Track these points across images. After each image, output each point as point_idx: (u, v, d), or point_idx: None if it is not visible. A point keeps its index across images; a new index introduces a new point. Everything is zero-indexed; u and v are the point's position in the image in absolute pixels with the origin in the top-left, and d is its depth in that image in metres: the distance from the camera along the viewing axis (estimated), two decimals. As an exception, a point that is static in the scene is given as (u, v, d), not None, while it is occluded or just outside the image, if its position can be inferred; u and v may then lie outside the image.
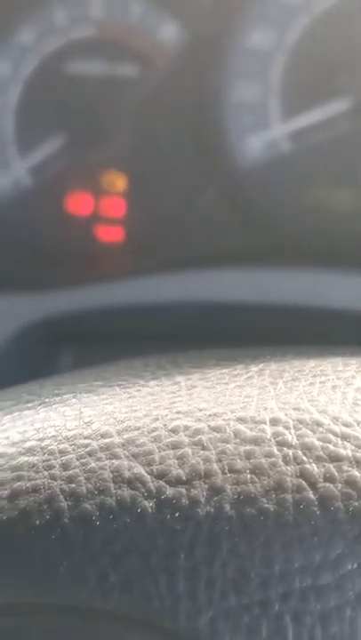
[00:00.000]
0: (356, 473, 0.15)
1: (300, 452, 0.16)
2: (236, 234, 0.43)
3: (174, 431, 0.17)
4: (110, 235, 0.44)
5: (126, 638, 0.16)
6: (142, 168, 0.43)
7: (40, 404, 0.19)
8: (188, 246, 0.44)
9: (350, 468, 0.15)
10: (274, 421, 0.16)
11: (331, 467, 0.16)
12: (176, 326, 0.23)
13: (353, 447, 0.16)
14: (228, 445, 0.16)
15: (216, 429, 0.17)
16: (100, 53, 0.43)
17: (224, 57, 0.42)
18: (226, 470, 0.16)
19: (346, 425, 0.16)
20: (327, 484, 0.15)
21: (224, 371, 0.20)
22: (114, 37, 0.43)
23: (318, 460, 0.16)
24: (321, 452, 0.16)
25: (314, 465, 0.16)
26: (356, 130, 0.41)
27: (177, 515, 0.15)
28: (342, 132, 0.41)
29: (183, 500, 0.16)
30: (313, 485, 0.15)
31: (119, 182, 0.43)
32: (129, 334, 0.25)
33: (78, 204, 0.44)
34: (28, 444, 0.17)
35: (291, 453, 0.16)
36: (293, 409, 0.17)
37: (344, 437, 0.16)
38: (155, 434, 0.17)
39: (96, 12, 0.43)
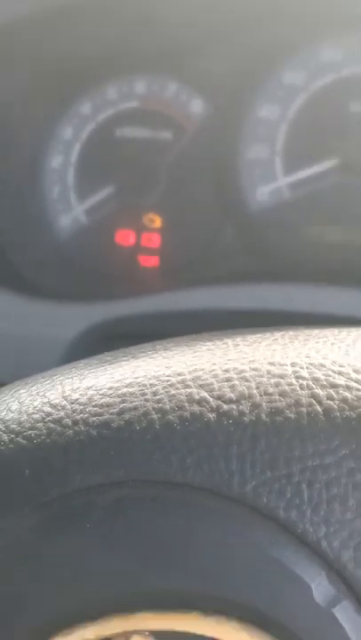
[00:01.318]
0: (347, 394, 0.19)
1: (311, 383, 0.19)
2: (248, 261, 0.47)
3: (227, 371, 0.20)
4: (148, 261, 0.49)
5: (198, 502, 0.19)
6: (174, 211, 0.48)
7: (132, 358, 0.22)
8: (209, 270, 0.48)
9: (344, 392, 0.19)
10: (293, 364, 0.20)
11: (331, 391, 0.19)
12: (198, 329, 0.28)
13: (345, 379, 0.19)
14: (263, 379, 0.20)
15: (254, 369, 0.20)
16: (142, 121, 0.48)
17: (239, 125, 0.46)
18: (262, 394, 0.19)
19: (340, 365, 0.20)
20: (329, 402, 0.19)
21: (257, 335, 0.23)
22: (153, 108, 0.47)
23: (323, 387, 0.19)
24: (324, 382, 0.19)
25: (320, 390, 0.19)
26: (342, 182, 0.46)
27: (230, 421, 0.19)
28: (331, 183, 0.46)
29: (234, 412, 0.19)
30: (320, 403, 0.19)
31: (156, 221, 0.48)
32: (164, 334, 0.30)
33: (124, 237, 0.49)
34: (127, 381, 0.20)
35: (305, 383, 0.19)
36: (305, 356, 0.20)
37: (339, 373, 0.20)
38: (213, 372, 0.20)
39: (140, 88, 0.47)
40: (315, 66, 0.46)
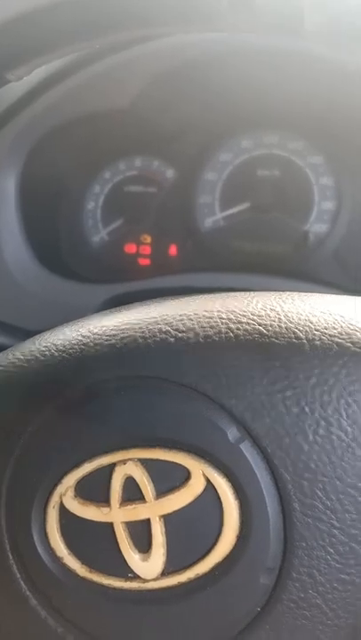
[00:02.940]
0: (247, 327, 0.22)
1: (226, 320, 0.23)
2: (200, 260, 0.61)
3: (181, 315, 0.24)
4: (144, 262, 0.63)
5: (158, 386, 0.22)
6: (158, 233, 0.63)
7: (127, 310, 0.26)
8: (179, 265, 0.61)
9: (245, 325, 0.23)
10: (218, 311, 0.23)
11: (238, 325, 0.23)
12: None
13: (246, 319, 0.23)
14: (200, 319, 0.23)
15: (196, 314, 0.23)
16: (139, 182, 0.63)
17: (194, 184, 0.61)
18: (200, 327, 0.23)
19: (243, 311, 0.23)
20: (238, 331, 0.23)
21: (200, 297, 0.26)
22: (145, 175, 0.62)
23: (233, 322, 0.23)
24: (235, 320, 0.23)
25: (232, 324, 0.23)
26: (252, 216, 0.59)
27: (182, 342, 0.22)
28: (247, 217, 0.59)
29: (184, 337, 0.22)
30: (231, 330, 0.22)
31: (148, 239, 0.63)
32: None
33: (129, 248, 0.64)
34: (125, 321, 0.24)
35: (224, 320, 0.23)
36: (225, 307, 0.24)
37: (243, 315, 0.23)
38: (173, 316, 0.24)
39: (137, 163, 0.63)
40: (237, 150, 0.60)
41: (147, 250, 0.64)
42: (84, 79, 0.49)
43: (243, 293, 0.26)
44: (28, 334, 0.29)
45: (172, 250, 0.63)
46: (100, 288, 0.58)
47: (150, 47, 0.47)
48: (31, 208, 0.57)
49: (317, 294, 0.26)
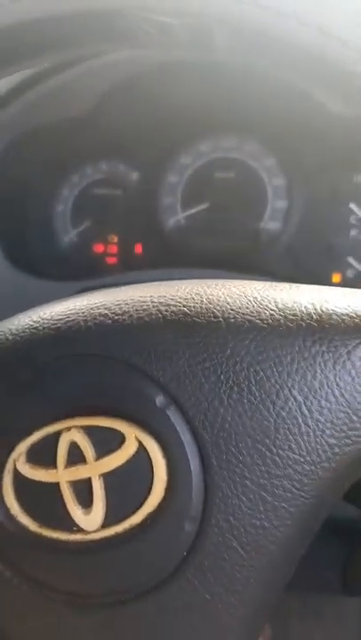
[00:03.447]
0: (185, 310, 0.25)
1: (159, 305, 0.26)
2: (162, 257, 0.63)
3: (141, 297, 0.26)
4: (111, 260, 0.66)
5: (99, 362, 0.25)
6: (124, 233, 0.65)
7: (99, 292, 0.28)
8: (143, 262, 0.64)
9: (183, 307, 0.25)
10: (162, 296, 0.26)
11: (170, 308, 0.25)
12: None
13: (193, 303, 0.25)
14: (149, 302, 0.26)
15: (153, 296, 0.26)
16: (105, 185, 0.65)
17: (157, 186, 0.64)
18: (152, 306, 0.25)
19: (186, 296, 0.26)
20: (171, 314, 0.25)
21: (163, 284, 0.28)
22: (111, 178, 0.65)
23: (169, 305, 0.26)
24: (172, 302, 0.26)
25: (164, 307, 0.25)
26: (210, 216, 0.63)
27: (124, 324, 0.25)
28: (205, 216, 0.63)
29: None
30: (167, 313, 0.25)
31: (114, 239, 0.66)
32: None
33: (97, 247, 0.66)
34: (96, 302, 0.26)
35: (159, 306, 0.26)
36: (161, 291, 0.27)
37: (185, 299, 0.26)
38: (133, 299, 0.26)
39: (104, 167, 0.65)
40: (196, 153, 0.63)
41: (114, 249, 0.66)
42: (45, 91, 0.52)
43: (175, 282, 0.28)
44: None
45: (138, 248, 0.66)
46: (69, 285, 0.60)
47: (105, 60, 0.50)
48: (2, 211, 0.60)
49: (239, 281, 0.29)
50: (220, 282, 0.29)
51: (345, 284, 0.57)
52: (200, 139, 0.63)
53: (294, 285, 0.28)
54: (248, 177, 0.62)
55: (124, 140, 0.61)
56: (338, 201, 0.59)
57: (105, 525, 0.26)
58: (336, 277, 0.59)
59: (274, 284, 0.29)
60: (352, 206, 0.58)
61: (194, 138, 0.63)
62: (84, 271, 0.63)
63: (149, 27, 0.25)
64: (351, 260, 0.59)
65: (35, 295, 0.57)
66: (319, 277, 0.57)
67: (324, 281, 0.56)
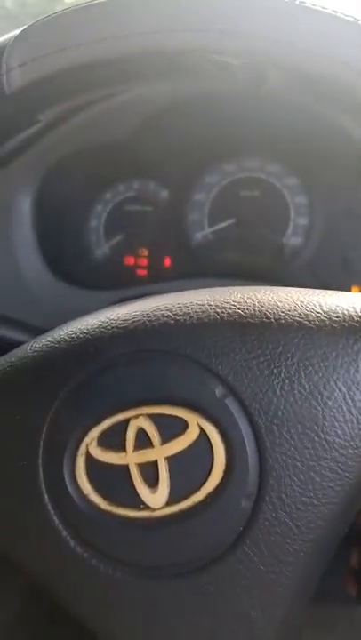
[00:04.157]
0: (225, 312, 0.27)
1: (214, 307, 0.27)
2: (191, 269, 0.64)
3: (184, 302, 0.28)
4: (141, 273, 0.67)
5: (161, 357, 0.27)
6: (154, 246, 0.66)
7: (159, 297, 0.30)
8: (172, 274, 0.65)
9: (230, 309, 0.27)
10: (208, 299, 0.27)
11: (223, 309, 0.27)
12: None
13: (229, 304, 0.27)
14: (195, 307, 0.27)
15: (193, 302, 0.28)
16: (137, 202, 0.66)
17: (185, 204, 0.65)
18: (195, 313, 0.27)
19: (226, 300, 0.27)
20: (223, 315, 0.27)
21: (196, 291, 0.30)
22: (142, 196, 0.66)
23: (219, 307, 0.27)
24: (220, 305, 0.27)
25: (218, 309, 0.27)
26: (237, 231, 0.63)
27: (180, 323, 0.27)
28: (233, 231, 0.64)
29: (182, 319, 0.27)
30: (217, 314, 0.27)
31: (145, 252, 0.67)
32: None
33: (128, 260, 0.67)
34: (158, 305, 0.28)
35: (213, 307, 0.27)
36: (212, 296, 0.28)
37: (226, 302, 0.27)
38: (177, 304, 0.27)
39: (136, 185, 0.66)
40: (222, 173, 0.64)
41: (144, 262, 0.67)
42: (91, 116, 0.56)
43: (226, 288, 0.30)
44: (43, 332, 0.34)
45: (167, 261, 0.67)
46: (103, 294, 0.63)
47: (148, 90, 0.53)
48: (43, 225, 0.62)
49: (284, 288, 0.31)
50: (268, 288, 0.32)
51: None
52: (226, 160, 0.66)
53: (334, 292, 0.31)
54: (272, 195, 0.64)
55: (156, 161, 0.64)
56: (356, 218, 0.61)
57: (169, 503, 0.28)
58: (355, 290, 0.61)
59: (316, 290, 0.32)
60: None
61: (220, 159, 0.64)
62: (115, 282, 0.65)
63: (210, 65, 0.29)
64: None
65: (72, 302, 0.62)
66: (339, 290, 0.58)
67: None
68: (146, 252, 0.67)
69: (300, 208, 0.64)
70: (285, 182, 0.65)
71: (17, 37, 0.29)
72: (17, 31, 0.31)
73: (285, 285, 0.58)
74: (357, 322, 0.28)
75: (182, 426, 0.28)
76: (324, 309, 0.29)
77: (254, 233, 0.63)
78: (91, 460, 0.29)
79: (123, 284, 0.64)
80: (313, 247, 0.63)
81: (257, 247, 0.62)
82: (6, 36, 0.32)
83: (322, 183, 0.64)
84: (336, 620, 0.63)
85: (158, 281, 0.64)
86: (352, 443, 0.27)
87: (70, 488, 0.29)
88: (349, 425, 0.27)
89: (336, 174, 0.62)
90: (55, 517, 0.30)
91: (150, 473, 0.28)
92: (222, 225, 0.64)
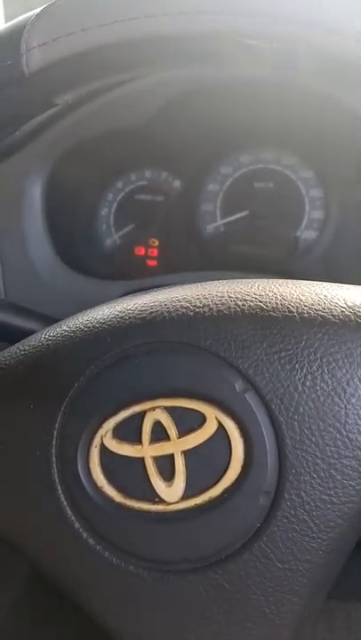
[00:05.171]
0: (250, 304, 0.27)
1: (233, 297, 0.27)
2: (201, 261, 0.65)
3: (198, 294, 0.28)
4: (151, 263, 0.67)
5: (184, 349, 0.26)
6: (165, 237, 0.66)
7: (177, 287, 0.30)
8: (183, 265, 0.64)
9: (250, 302, 0.27)
10: (227, 291, 0.28)
11: (243, 302, 0.27)
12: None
13: (250, 297, 0.27)
14: (214, 297, 0.27)
15: (209, 293, 0.28)
16: (148, 191, 0.67)
17: (198, 194, 0.65)
18: (213, 304, 0.27)
19: (246, 292, 0.27)
20: (243, 307, 0.27)
21: (207, 283, 0.30)
22: (153, 185, 0.66)
23: (239, 299, 0.27)
24: (240, 296, 0.27)
25: (236, 301, 0.27)
26: (249, 223, 0.63)
27: (199, 316, 0.27)
28: (245, 223, 0.64)
29: (201, 311, 0.27)
30: (238, 306, 0.27)
31: (155, 242, 0.67)
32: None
33: (138, 250, 0.68)
34: (177, 295, 0.28)
35: (232, 298, 0.27)
36: (232, 287, 0.28)
37: (248, 294, 0.27)
38: (192, 294, 0.28)
39: (147, 175, 0.66)
40: (236, 164, 0.64)
41: (154, 252, 0.68)
42: (107, 102, 0.55)
43: (245, 280, 0.30)
44: (53, 320, 0.33)
45: (178, 252, 0.67)
46: (113, 284, 0.61)
47: (163, 76, 0.53)
48: (53, 213, 0.62)
49: (306, 281, 0.31)
50: (290, 281, 0.31)
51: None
52: (241, 151, 0.65)
53: (358, 287, 0.31)
54: (286, 188, 0.64)
55: (170, 150, 0.64)
56: (372, 212, 0.60)
57: (185, 497, 0.28)
58: (369, 285, 0.61)
59: (339, 284, 0.31)
60: None
61: (235, 150, 0.64)
62: (125, 272, 0.65)
63: (239, 49, 0.28)
64: None
65: (82, 291, 0.61)
66: (353, 284, 0.57)
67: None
68: (156, 243, 0.67)
69: (316, 201, 0.64)
70: (301, 175, 0.64)
71: (37, 16, 0.28)
72: (36, 10, 0.30)
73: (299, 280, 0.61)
74: None
75: (200, 419, 0.28)
76: (349, 304, 0.28)
77: (267, 226, 0.63)
78: (105, 452, 0.29)
79: (133, 274, 0.63)
80: (327, 241, 0.62)
81: (270, 240, 0.62)
82: (24, 16, 0.30)
83: (338, 177, 0.63)
84: (350, 616, 0.64)
85: (169, 272, 0.64)
86: None
87: (84, 479, 0.29)
88: None
89: (353, 169, 0.62)
90: (68, 508, 0.30)
91: (166, 466, 0.28)
92: (235, 217, 0.64)
